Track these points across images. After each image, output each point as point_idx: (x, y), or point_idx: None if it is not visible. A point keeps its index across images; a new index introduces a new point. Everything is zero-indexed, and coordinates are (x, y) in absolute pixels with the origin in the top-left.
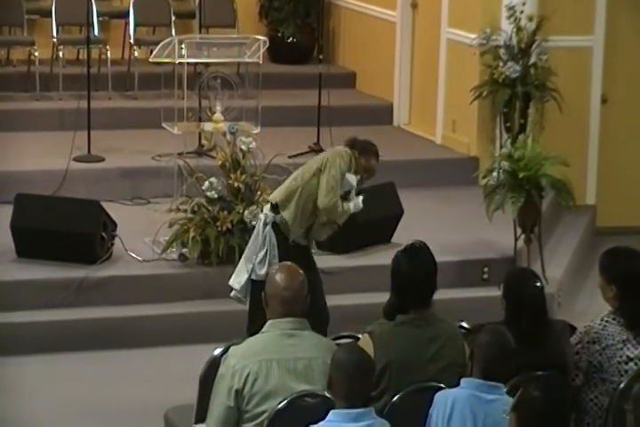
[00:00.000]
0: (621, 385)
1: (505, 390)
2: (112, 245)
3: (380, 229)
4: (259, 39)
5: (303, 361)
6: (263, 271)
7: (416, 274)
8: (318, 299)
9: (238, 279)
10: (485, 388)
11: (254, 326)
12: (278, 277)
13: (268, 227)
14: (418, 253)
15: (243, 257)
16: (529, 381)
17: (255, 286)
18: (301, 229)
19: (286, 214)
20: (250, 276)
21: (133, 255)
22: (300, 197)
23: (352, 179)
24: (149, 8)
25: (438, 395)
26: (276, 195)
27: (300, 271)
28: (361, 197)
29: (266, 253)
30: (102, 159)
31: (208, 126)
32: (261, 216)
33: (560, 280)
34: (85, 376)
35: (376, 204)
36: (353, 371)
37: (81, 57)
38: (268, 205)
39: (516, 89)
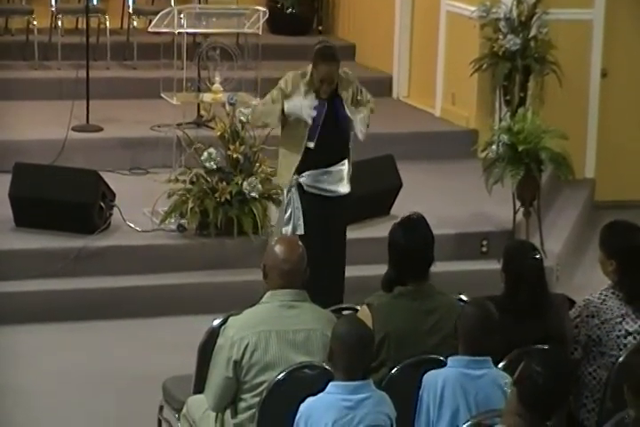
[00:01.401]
0: (620, 359)
1: (494, 363)
2: (110, 215)
3: (378, 201)
4: (258, 10)
5: (302, 333)
6: (286, 232)
7: (413, 246)
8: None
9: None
10: (473, 364)
11: None
12: (277, 248)
13: (292, 190)
14: (415, 226)
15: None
16: (529, 354)
17: None
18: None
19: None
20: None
21: (132, 226)
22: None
23: (299, 102)
24: None
25: (427, 376)
26: None
27: (300, 243)
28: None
29: (290, 215)
30: (101, 129)
31: (207, 97)
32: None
33: (559, 254)
34: (83, 346)
35: (375, 176)
36: (353, 343)
37: (80, 26)
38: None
39: (516, 62)
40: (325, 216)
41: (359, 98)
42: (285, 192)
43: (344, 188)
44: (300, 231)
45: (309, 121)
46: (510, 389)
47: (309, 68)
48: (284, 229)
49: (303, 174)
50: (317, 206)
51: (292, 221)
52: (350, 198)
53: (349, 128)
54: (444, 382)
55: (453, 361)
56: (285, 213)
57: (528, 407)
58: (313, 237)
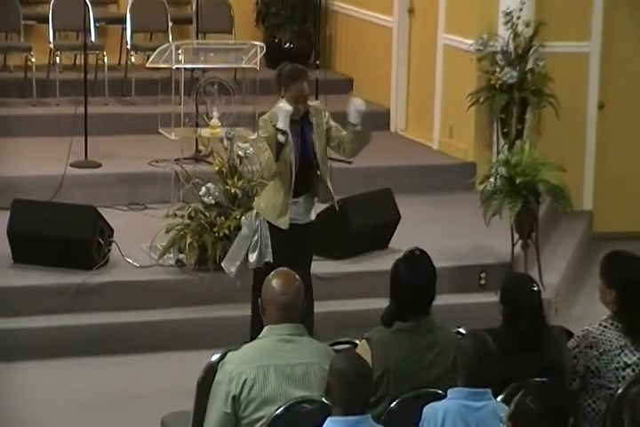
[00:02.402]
0: (619, 391)
1: (493, 395)
2: (109, 250)
3: (376, 234)
4: (256, 45)
5: (301, 367)
6: (253, 259)
7: (415, 282)
8: None
9: (232, 263)
10: (473, 396)
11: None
12: (275, 282)
13: (262, 218)
14: (417, 262)
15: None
16: (526, 388)
17: (255, 274)
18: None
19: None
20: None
21: (130, 261)
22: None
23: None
24: (146, 14)
25: (427, 408)
26: None
27: (297, 277)
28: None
29: (257, 242)
30: (99, 165)
31: (205, 132)
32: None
33: (557, 286)
34: (81, 382)
35: (373, 209)
36: (351, 378)
37: (78, 63)
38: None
39: (513, 95)
40: (294, 243)
41: (331, 132)
42: (253, 219)
43: (312, 215)
44: (269, 259)
45: (283, 128)
46: (506, 423)
47: (278, 103)
48: (250, 256)
49: None
50: (286, 234)
51: (258, 248)
52: (315, 226)
53: (317, 154)
54: (444, 413)
55: (453, 393)
56: (252, 239)
57: None
58: (280, 265)
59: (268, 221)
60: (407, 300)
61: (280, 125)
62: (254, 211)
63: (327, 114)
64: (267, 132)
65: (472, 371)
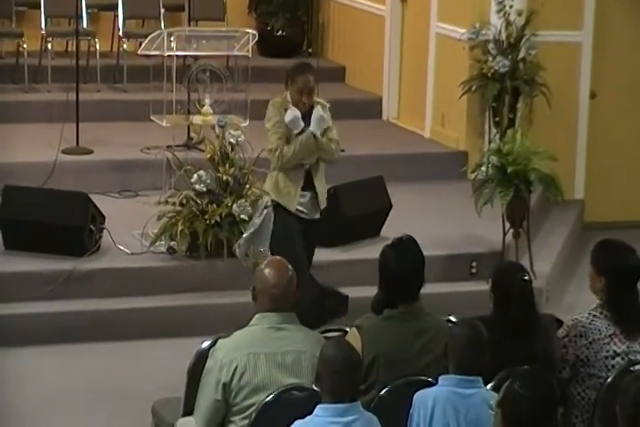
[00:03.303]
0: (608, 380)
1: (483, 383)
2: (100, 237)
3: (368, 222)
4: (248, 32)
5: (291, 355)
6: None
7: (404, 269)
8: None
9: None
10: (463, 383)
11: None
12: (267, 272)
13: (269, 208)
14: (406, 248)
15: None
16: (515, 375)
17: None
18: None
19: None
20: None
21: (121, 248)
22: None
23: (290, 115)
24: (139, 1)
25: (418, 395)
26: None
27: (289, 266)
28: (317, 114)
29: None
30: (91, 151)
31: (197, 119)
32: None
33: (548, 275)
34: (73, 369)
35: (365, 198)
36: (341, 366)
37: (70, 49)
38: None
39: (505, 83)
40: (297, 233)
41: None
42: (263, 209)
43: (317, 213)
44: (265, 247)
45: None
46: (495, 410)
47: (285, 93)
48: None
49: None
50: (292, 222)
51: (261, 237)
52: (321, 224)
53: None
54: (434, 400)
55: (444, 380)
56: (260, 228)
57: None
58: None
59: (274, 211)
60: (396, 286)
61: (296, 131)
62: (264, 199)
63: (328, 115)
64: (277, 115)
65: (464, 358)
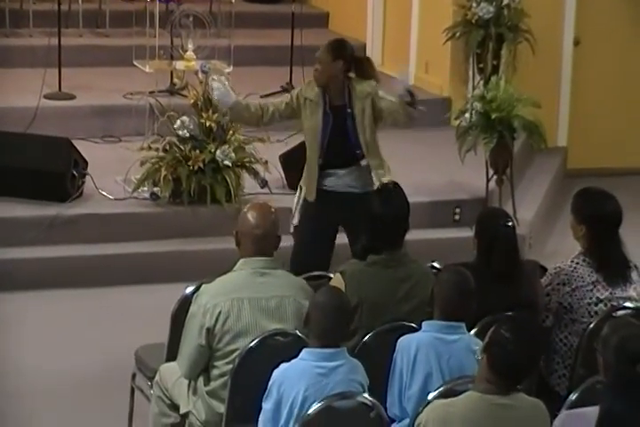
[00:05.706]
0: (591, 326)
1: (466, 329)
2: (83, 183)
3: None
4: None
5: (275, 300)
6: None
7: (389, 215)
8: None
9: None
10: (447, 329)
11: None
12: (250, 215)
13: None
14: (391, 195)
15: None
16: (500, 321)
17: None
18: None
19: None
20: None
21: (104, 194)
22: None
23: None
24: None
25: (401, 340)
26: None
27: (272, 210)
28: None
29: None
30: (73, 97)
31: (180, 65)
32: None
33: (531, 222)
34: (55, 314)
35: None
36: (331, 312)
37: None
38: None
39: (489, 30)
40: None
41: (381, 105)
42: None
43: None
44: (296, 222)
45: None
46: (480, 355)
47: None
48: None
49: None
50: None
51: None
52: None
53: (359, 140)
54: (417, 345)
55: (428, 326)
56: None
57: (498, 373)
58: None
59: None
60: (380, 233)
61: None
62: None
63: (372, 97)
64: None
65: (450, 305)
